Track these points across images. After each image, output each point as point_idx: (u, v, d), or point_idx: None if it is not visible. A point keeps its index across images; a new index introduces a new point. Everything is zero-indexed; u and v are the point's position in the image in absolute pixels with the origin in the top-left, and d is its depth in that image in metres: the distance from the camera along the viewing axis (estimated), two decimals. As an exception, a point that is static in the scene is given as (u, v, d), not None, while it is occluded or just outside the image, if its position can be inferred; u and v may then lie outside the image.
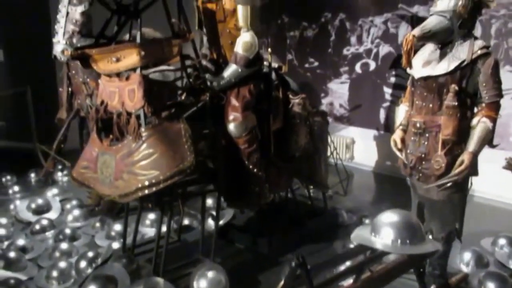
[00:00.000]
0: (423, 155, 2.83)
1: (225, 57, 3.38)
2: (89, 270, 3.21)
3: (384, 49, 5.91)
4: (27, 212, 4.38)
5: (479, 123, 2.68)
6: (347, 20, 6.24)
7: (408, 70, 2.90)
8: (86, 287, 2.87)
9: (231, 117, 3.17)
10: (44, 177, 5.34)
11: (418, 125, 2.84)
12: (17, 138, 6.50)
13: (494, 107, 2.69)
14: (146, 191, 2.64)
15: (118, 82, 2.85)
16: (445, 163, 2.71)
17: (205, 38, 3.51)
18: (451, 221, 2.88)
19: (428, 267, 2.94)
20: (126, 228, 3.42)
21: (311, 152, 3.80)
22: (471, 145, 2.68)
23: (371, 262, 2.25)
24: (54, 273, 3.25)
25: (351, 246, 3.59)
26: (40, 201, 4.49)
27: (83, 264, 3.31)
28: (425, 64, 2.82)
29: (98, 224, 4.11)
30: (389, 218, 2.10)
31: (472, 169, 2.73)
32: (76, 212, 4.34)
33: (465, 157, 2.67)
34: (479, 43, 2.71)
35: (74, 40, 2.62)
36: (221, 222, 3.80)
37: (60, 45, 2.60)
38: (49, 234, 4.00)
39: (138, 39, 2.76)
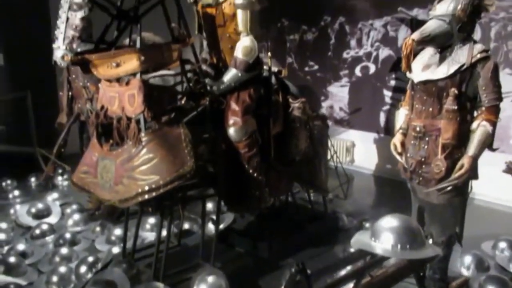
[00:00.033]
0: (423, 159, 2.83)
1: (225, 61, 3.38)
2: (89, 275, 3.21)
3: (384, 52, 5.92)
4: (27, 216, 4.38)
5: (479, 127, 2.69)
6: (346, 23, 6.26)
7: (407, 74, 2.91)
8: (86, 292, 2.87)
9: (231, 122, 3.17)
10: (44, 181, 5.34)
11: (418, 129, 2.85)
12: (17, 142, 6.50)
13: (494, 111, 2.70)
14: (146, 196, 2.64)
15: (118, 87, 2.85)
16: (445, 167, 2.72)
17: (205, 43, 3.51)
18: (451, 225, 2.88)
19: (428, 271, 2.94)
20: (126, 233, 3.42)
21: (311, 156, 3.79)
22: (471, 148, 2.68)
23: (371, 267, 2.25)
24: (54, 278, 3.24)
25: (352, 250, 3.58)
26: (40, 205, 4.48)
27: (83, 269, 3.30)
28: (425, 68, 2.83)
29: (98, 229, 4.11)
30: (389, 223, 2.10)
31: (472, 172, 2.74)
32: (76, 216, 4.33)
33: (465, 161, 2.68)
34: (478, 46, 2.72)
35: (74, 46, 2.63)
36: (221, 226, 3.80)
37: (60, 51, 2.60)
38: (49, 238, 3.99)
39: (138, 44, 2.76)
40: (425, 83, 2.80)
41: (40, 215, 4.39)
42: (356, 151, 6.41)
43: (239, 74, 3.20)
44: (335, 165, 4.94)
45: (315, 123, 3.92)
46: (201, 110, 3.07)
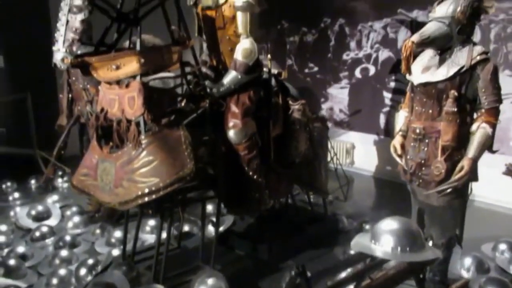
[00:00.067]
0: (423, 161, 2.83)
1: (225, 63, 3.38)
2: (89, 278, 3.21)
3: (384, 54, 5.92)
4: (27, 219, 4.38)
5: (479, 129, 2.69)
6: (346, 25, 6.26)
7: (407, 76, 2.91)
8: (86, 294, 2.87)
9: (231, 124, 3.17)
10: (44, 183, 5.33)
11: (417, 131, 2.85)
12: (17, 144, 6.51)
13: (494, 113, 2.70)
14: (146, 199, 2.64)
15: (118, 89, 2.85)
16: (445, 169, 2.72)
17: (204, 45, 3.52)
18: (451, 227, 2.88)
19: (428, 273, 2.94)
20: (126, 235, 3.42)
21: (311, 158, 3.80)
22: (471, 151, 2.68)
23: (371, 269, 2.25)
24: (54, 281, 3.24)
25: (352, 252, 3.58)
26: (40, 207, 4.48)
27: (83, 271, 3.30)
28: (424, 70, 2.83)
29: (98, 231, 4.11)
30: (389, 225, 2.10)
31: (472, 175, 2.73)
32: (76, 218, 4.33)
33: (465, 163, 2.68)
34: (478, 48, 2.72)
35: (74, 48, 2.62)
36: (221, 229, 3.79)
37: (60, 53, 2.60)
38: (49, 241, 3.99)
39: (138, 47, 2.76)
40: (425, 85, 2.80)
41: (40, 217, 4.40)
42: (356, 153, 6.40)
43: (239, 76, 3.20)
44: (335, 167, 4.95)
45: (315, 125, 3.93)
46: (201, 112, 3.08)
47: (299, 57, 6.90)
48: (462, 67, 2.68)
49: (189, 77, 3.10)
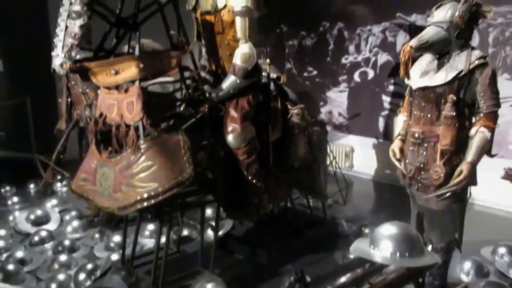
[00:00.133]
0: (421, 165, 2.84)
1: (224, 68, 3.39)
2: (88, 283, 3.21)
3: (383, 57, 5.93)
4: (26, 223, 4.37)
5: (477, 133, 2.70)
6: (345, 29, 6.27)
7: (406, 80, 2.92)
8: (85, 300, 2.86)
9: (230, 128, 3.18)
10: (43, 188, 5.33)
11: (416, 135, 2.85)
12: (16, 148, 6.51)
13: (492, 117, 2.71)
14: (145, 204, 2.64)
15: (117, 94, 2.86)
16: (443, 173, 2.72)
17: (203, 50, 3.53)
18: (450, 231, 2.88)
19: (428, 278, 2.93)
20: (125, 239, 3.42)
21: (310, 162, 3.80)
22: (470, 155, 2.69)
23: (370, 274, 2.25)
24: (53, 286, 3.23)
25: (351, 256, 3.57)
26: (39, 212, 4.47)
27: (82, 276, 3.29)
28: (423, 74, 2.83)
29: (97, 235, 4.10)
30: (388, 230, 2.10)
31: (471, 179, 2.74)
32: (75, 223, 4.32)
33: (464, 167, 2.68)
34: (476, 53, 2.73)
35: (73, 53, 2.62)
36: (220, 233, 3.80)
37: (59, 59, 2.60)
38: (48, 245, 3.98)
39: (137, 52, 2.77)
40: (424, 89, 2.81)
41: (39, 222, 4.39)
42: (355, 156, 6.41)
43: (238, 81, 3.21)
44: (334, 170, 4.95)
45: (314, 129, 3.93)
46: (200, 117, 3.08)
47: (298, 61, 6.91)
48: (461, 72, 2.68)
49: (188, 81, 3.11)
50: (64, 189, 5.44)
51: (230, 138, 3.17)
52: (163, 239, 3.09)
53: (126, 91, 2.81)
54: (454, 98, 2.69)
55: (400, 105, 3.21)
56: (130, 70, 2.74)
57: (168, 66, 2.94)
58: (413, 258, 2.02)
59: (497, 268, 3.56)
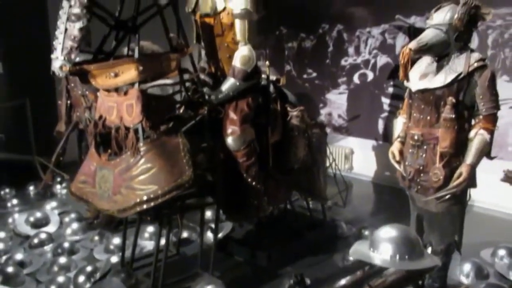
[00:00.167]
0: (421, 167, 2.84)
1: (223, 71, 3.39)
2: (88, 285, 3.21)
3: (382, 59, 5.94)
4: (26, 225, 4.37)
5: (477, 135, 2.70)
6: (344, 31, 6.28)
7: (405, 83, 2.92)
8: (84, 302, 2.86)
9: (229, 131, 3.18)
10: (43, 190, 5.33)
11: (416, 137, 2.85)
12: (16, 150, 6.50)
13: (492, 119, 2.71)
14: (145, 206, 2.64)
15: (116, 97, 2.86)
16: (443, 176, 2.72)
17: (203, 52, 3.53)
18: (450, 233, 2.88)
19: (427, 280, 2.93)
20: (125, 242, 3.41)
21: (309, 164, 3.80)
22: (469, 157, 2.69)
23: (370, 277, 2.24)
24: (53, 288, 3.24)
25: (351, 258, 3.57)
26: (38, 214, 4.47)
27: (81, 278, 3.30)
28: (422, 76, 2.83)
29: (96, 238, 4.10)
30: (387, 233, 2.10)
31: (471, 181, 2.74)
32: (75, 225, 4.33)
33: (463, 170, 2.68)
34: (475, 55, 2.73)
35: (73, 56, 2.62)
36: (220, 235, 3.80)
37: (58, 61, 2.60)
38: (48, 248, 3.98)
39: (136, 54, 2.77)
40: (423, 92, 2.81)
41: (38, 224, 4.39)
42: (355, 158, 6.41)
43: (237, 83, 3.21)
44: (334, 172, 4.95)
45: (314, 131, 3.93)
46: (199, 119, 3.08)
47: (298, 63, 6.91)
48: (460, 74, 2.69)
49: (187, 84, 3.11)
50: (64, 191, 5.44)
51: (229, 140, 3.17)
52: (162, 241, 3.09)
53: (125, 93, 2.81)
54: (454, 100, 2.69)
55: (400, 107, 3.21)
56: (129, 73, 2.74)
57: (168, 68, 2.94)
58: (412, 261, 2.02)
59: (497, 270, 3.56)
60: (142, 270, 3.40)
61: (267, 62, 3.46)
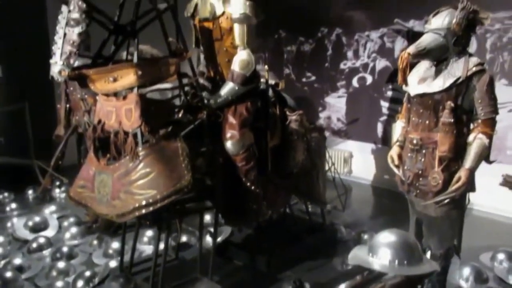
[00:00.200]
0: (420, 172, 2.83)
1: (222, 75, 3.39)
2: (86, 290, 3.20)
3: (381, 63, 5.95)
4: (24, 230, 4.37)
5: (475, 140, 2.70)
6: (343, 34, 6.29)
7: (404, 87, 2.92)
8: (83, 307, 2.85)
9: (228, 135, 3.18)
10: (41, 194, 5.32)
11: (414, 141, 2.85)
12: (14, 154, 6.49)
13: (490, 124, 2.71)
14: (143, 211, 2.63)
15: (115, 101, 2.86)
16: (442, 180, 2.72)
17: (202, 56, 3.53)
18: (449, 237, 2.87)
19: (427, 284, 2.93)
20: (123, 246, 3.41)
21: (308, 168, 3.80)
22: (468, 161, 2.69)
23: (369, 282, 2.24)
24: (51, 293, 3.23)
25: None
26: (37, 218, 4.47)
27: (80, 283, 3.30)
28: (421, 81, 2.83)
29: (95, 242, 4.09)
30: (386, 238, 2.09)
31: (470, 185, 2.73)
32: (74, 229, 4.32)
33: (462, 174, 2.68)
34: (474, 60, 2.73)
35: (71, 61, 2.63)
36: (219, 239, 3.79)
37: (57, 66, 2.60)
38: (46, 252, 3.97)
39: (135, 59, 2.77)
40: (421, 96, 2.81)
41: (37, 228, 4.39)
42: (354, 161, 6.41)
43: (236, 88, 3.21)
44: (333, 176, 4.95)
45: (313, 135, 3.93)
46: (198, 123, 3.08)
47: (297, 67, 6.93)
48: (458, 78, 2.69)
49: (186, 88, 3.11)
50: (63, 195, 5.45)
51: (228, 144, 3.17)
52: (161, 246, 3.08)
53: (124, 98, 2.81)
54: (452, 104, 2.69)
55: (398, 111, 3.21)
56: (128, 77, 2.74)
57: (167, 73, 2.94)
58: (411, 266, 2.01)
59: (496, 274, 3.56)
60: (141, 275, 3.40)
61: (266, 66, 3.47)
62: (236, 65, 3.21)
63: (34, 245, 4.03)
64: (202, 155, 3.09)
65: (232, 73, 3.22)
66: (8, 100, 6.74)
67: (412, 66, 2.85)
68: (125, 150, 2.78)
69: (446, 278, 3.01)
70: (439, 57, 2.78)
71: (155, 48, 3.66)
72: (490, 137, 2.70)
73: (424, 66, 2.88)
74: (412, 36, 5.35)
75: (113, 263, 3.59)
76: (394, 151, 3.03)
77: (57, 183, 5.50)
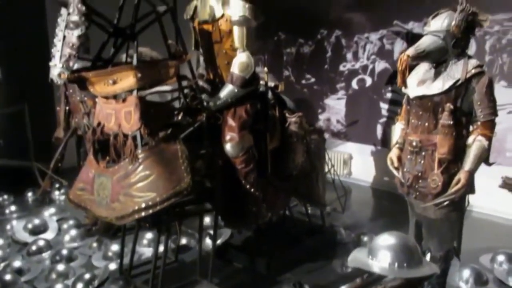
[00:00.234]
0: (419, 174, 2.83)
1: (222, 77, 3.39)
2: (86, 293, 3.19)
3: (380, 65, 5.96)
4: (24, 232, 4.36)
5: (475, 142, 2.70)
6: (343, 36, 6.30)
7: (403, 89, 2.93)
8: (82, 310, 2.85)
9: (227, 137, 3.17)
10: (41, 196, 5.32)
11: (414, 143, 2.85)
12: (14, 156, 6.49)
13: (489, 126, 2.71)
14: (143, 213, 2.63)
15: (114, 104, 2.86)
16: (441, 182, 2.72)
17: (201, 59, 3.53)
18: (449, 239, 2.87)
19: (427, 286, 2.92)
20: (123, 248, 3.41)
21: (308, 170, 3.80)
22: (467, 163, 2.69)
23: (369, 284, 2.24)
24: (51, 296, 3.23)
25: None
26: (37, 221, 4.46)
27: (79, 286, 3.30)
28: (420, 83, 2.84)
29: (95, 244, 4.09)
30: (386, 241, 2.09)
31: (469, 187, 2.74)
32: (73, 232, 4.32)
33: (462, 176, 2.68)
34: (473, 62, 2.74)
35: (71, 63, 2.63)
36: (218, 242, 3.79)
37: (56, 69, 2.60)
38: (46, 255, 3.97)
39: (134, 61, 2.77)
40: (421, 98, 2.81)
41: (36, 231, 4.38)
42: (354, 163, 6.41)
43: (236, 90, 3.21)
44: (333, 178, 4.95)
45: (312, 137, 3.93)
46: (198, 126, 3.08)
47: (296, 68, 6.93)
48: (458, 81, 2.69)
49: (186, 90, 3.11)
50: (62, 197, 5.43)
51: (228, 147, 3.17)
52: (161, 248, 3.08)
53: (124, 100, 2.81)
54: (451, 107, 2.69)
55: (398, 113, 3.21)
56: (128, 80, 2.74)
57: (166, 75, 2.94)
58: (411, 268, 2.01)
59: (496, 276, 3.55)
60: (141, 277, 3.39)
61: (266, 68, 3.46)
62: (235, 68, 3.21)
63: (34, 247, 4.02)
64: (201, 157, 3.09)
65: (232, 76, 3.22)
66: (7, 102, 6.74)
67: (411, 68, 2.86)
68: (124, 152, 2.78)
69: (446, 280, 3.01)
70: (438, 59, 2.78)
71: (154, 51, 3.65)
72: (489, 139, 2.71)
73: (423, 68, 2.89)
74: (412, 38, 5.35)
75: (112, 266, 3.58)
76: (393, 153, 3.03)
77: (57, 185, 5.50)
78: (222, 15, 3.27)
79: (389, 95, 5.93)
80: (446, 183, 2.71)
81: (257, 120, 3.35)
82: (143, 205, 2.62)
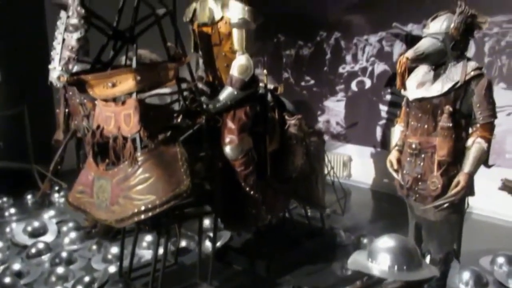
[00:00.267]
0: (419, 176, 2.83)
1: (221, 79, 3.40)
2: (85, 296, 3.19)
3: (379, 67, 5.96)
4: (23, 235, 4.35)
5: (474, 144, 2.70)
6: (342, 38, 6.30)
7: (402, 91, 2.93)
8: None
9: (227, 140, 3.18)
10: (40, 198, 5.31)
11: (413, 146, 2.85)
12: (13, 159, 6.49)
13: (489, 128, 2.71)
14: (142, 216, 2.63)
15: (114, 106, 2.86)
16: (441, 184, 2.72)
17: (201, 61, 3.54)
18: (449, 241, 2.87)
19: (427, 289, 2.92)
20: (123, 251, 3.41)
21: (307, 172, 3.80)
22: (467, 165, 2.69)
23: (369, 287, 2.24)
24: (50, 299, 3.22)
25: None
26: (36, 223, 4.45)
27: (79, 289, 3.28)
28: (419, 85, 2.84)
29: (94, 247, 4.08)
30: (385, 243, 2.09)
31: (469, 189, 2.73)
32: (73, 234, 4.31)
33: (461, 178, 2.68)
34: (472, 64, 2.74)
35: (70, 66, 2.63)
36: (218, 244, 3.78)
37: (56, 72, 2.60)
38: (45, 257, 3.96)
39: (134, 64, 2.78)
40: (420, 100, 2.81)
41: (36, 234, 4.37)
42: (353, 165, 6.41)
43: (235, 92, 3.21)
44: (332, 180, 4.95)
45: (312, 139, 3.93)
46: (197, 128, 3.09)
47: (296, 70, 6.93)
48: (457, 83, 2.69)
49: (185, 93, 3.12)
50: (62, 200, 5.42)
51: (227, 149, 3.17)
52: (160, 251, 3.08)
53: (123, 103, 2.82)
54: (451, 109, 2.69)
55: (397, 115, 3.21)
56: (127, 83, 2.75)
57: (165, 78, 2.94)
58: (411, 271, 2.01)
59: (496, 278, 3.55)
60: (140, 280, 3.39)
61: (265, 71, 3.47)
62: (235, 70, 3.22)
63: (33, 250, 4.02)
64: (201, 160, 3.09)
65: (231, 78, 3.22)
66: (7, 104, 6.74)
67: (410, 70, 2.86)
68: (124, 155, 2.78)
69: (446, 283, 3.01)
70: (437, 62, 2.78)
71: (154, 53, 3.66)
72: (488, 141, 2.71)
73: (422, 70, 2.89)
74: (411, 40, 5.36)
75: (112, 268, 3.58)
76: (393, 156, 3.03)
77: (56, 187, 5.49)
78: (222, 18, 3.28)
79: (388, 97, 5.93)
80: (446, 185, 2.72)
81: (257, 123, 3.35)
82: (143, 208, 2.62)
